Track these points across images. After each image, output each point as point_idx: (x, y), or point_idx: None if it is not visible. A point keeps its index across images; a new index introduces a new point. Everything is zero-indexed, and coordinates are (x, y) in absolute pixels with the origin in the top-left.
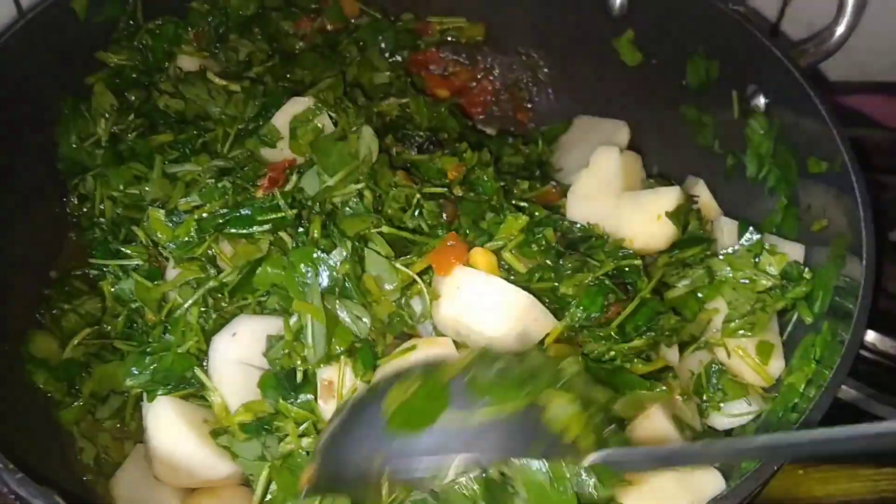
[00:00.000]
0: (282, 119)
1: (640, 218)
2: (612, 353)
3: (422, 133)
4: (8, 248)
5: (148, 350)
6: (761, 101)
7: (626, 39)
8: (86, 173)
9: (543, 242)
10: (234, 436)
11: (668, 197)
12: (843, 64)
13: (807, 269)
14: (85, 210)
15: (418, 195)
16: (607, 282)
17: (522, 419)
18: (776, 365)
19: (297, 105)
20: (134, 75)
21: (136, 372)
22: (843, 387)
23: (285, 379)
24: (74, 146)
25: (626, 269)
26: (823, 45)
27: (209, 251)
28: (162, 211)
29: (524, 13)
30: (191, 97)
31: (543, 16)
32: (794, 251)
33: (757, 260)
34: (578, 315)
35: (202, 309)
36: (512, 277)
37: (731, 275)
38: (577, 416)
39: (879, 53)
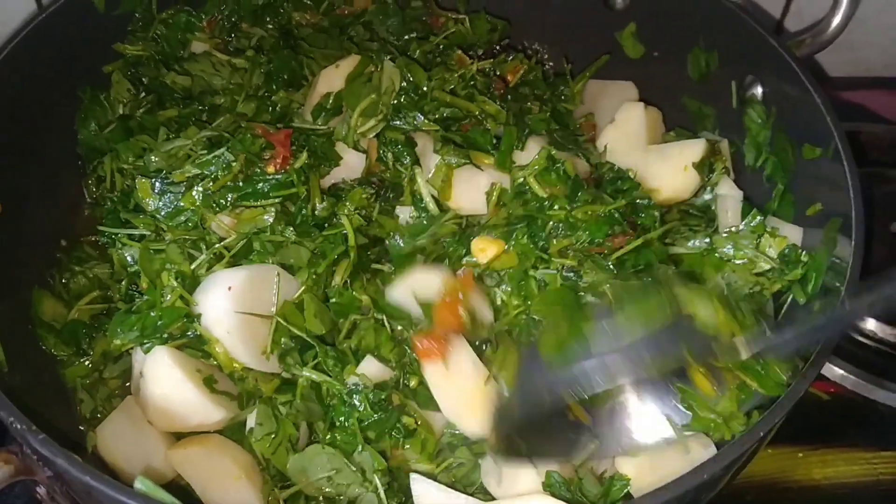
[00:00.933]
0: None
1: (667, 170)
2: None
3: None
4: (26, 224)
5: (133, 309)
6: (759, 90)
7: (629, 32)
8: (103, 157)
9: (563, 172)
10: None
11: (694, 149)
12: (846, 59)
13: (804, 253)
14: (100, 191)
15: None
16: (617, 215)
17: (675, 330)
18: None
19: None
20: (150, 64)
21: (122, 331)
22: (844, 373)
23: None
24: (93, 133)
25: (643, 213)
26: (820, 36)
27: (201, 221)
28: (148, 180)
29: (526, 8)
30: (196, 73)
31: (546, 10)
32: (794, 234)
33: (759, 241)
34: (583, 238)
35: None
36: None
37: (732, 253)
38: (725, 316)
39: (882, 49)
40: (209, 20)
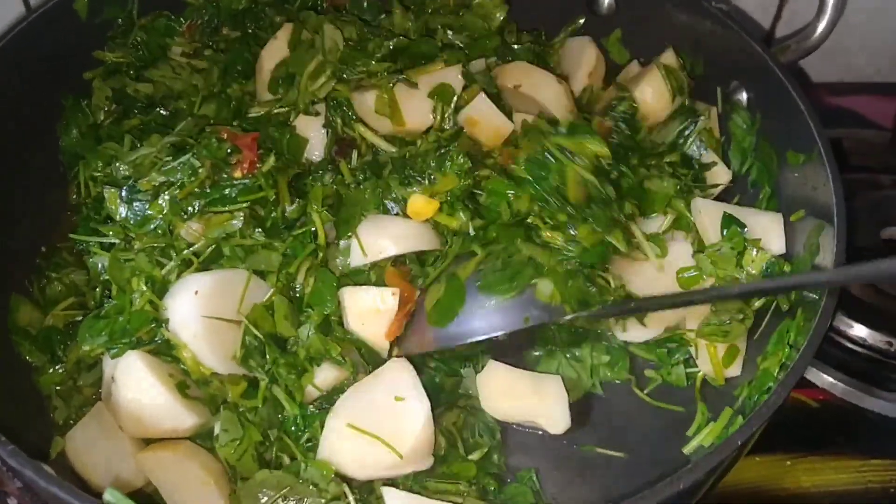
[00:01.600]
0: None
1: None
2: None
3: None
4: (8, 230)
5: (101, 314)
6: (744, 96)
7: (615, 38)
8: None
9: None
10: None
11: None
12: (836, 65)
13: (787, 265)
14: (79, 199)
15: None
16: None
17: (522, 297)
18: (734, 370)
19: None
20: (129, 72)
21: (90, 336)
22: (834, 381)
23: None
24: (75, 139)
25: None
26: (805, 42)
27: (170, 228)
28: (115, 189)
29: (513, 12)
30: (157, 79)
31: (532, 15)
32: (776, 242)
33: (740, 258)
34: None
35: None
36: None
37: (714, 271)
38: (557, 289)
39: (872, 54)
40: (188, 25)
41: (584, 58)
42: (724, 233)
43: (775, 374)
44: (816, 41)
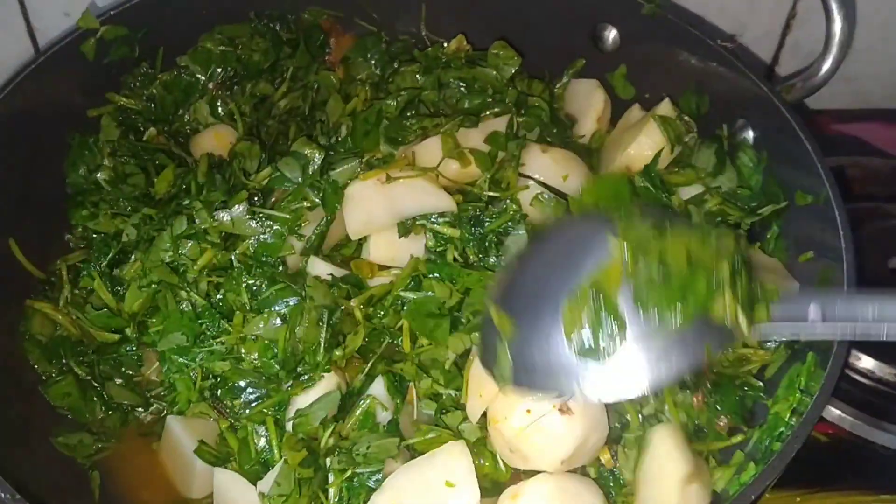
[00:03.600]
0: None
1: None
2: None
3: None
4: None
5: None
6: (750, 134)
7: (620, 74)
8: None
9: None
10: None
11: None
12: (844, 91)
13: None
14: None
15: None
16: None
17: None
18: None
19: None
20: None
21: None
22: (842, 414)
23: None
24: (82, 177)
25: None
26: (811, 80)
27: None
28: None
29: (519, 50)
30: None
31: (538, 50)
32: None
33: None
34: None
35: None
36: None
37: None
38: (734, 304)
39: (881, 80)
40: (215, 84)
41: (592, 102)
42: None
43: (787, 419)
44: (822, 79)
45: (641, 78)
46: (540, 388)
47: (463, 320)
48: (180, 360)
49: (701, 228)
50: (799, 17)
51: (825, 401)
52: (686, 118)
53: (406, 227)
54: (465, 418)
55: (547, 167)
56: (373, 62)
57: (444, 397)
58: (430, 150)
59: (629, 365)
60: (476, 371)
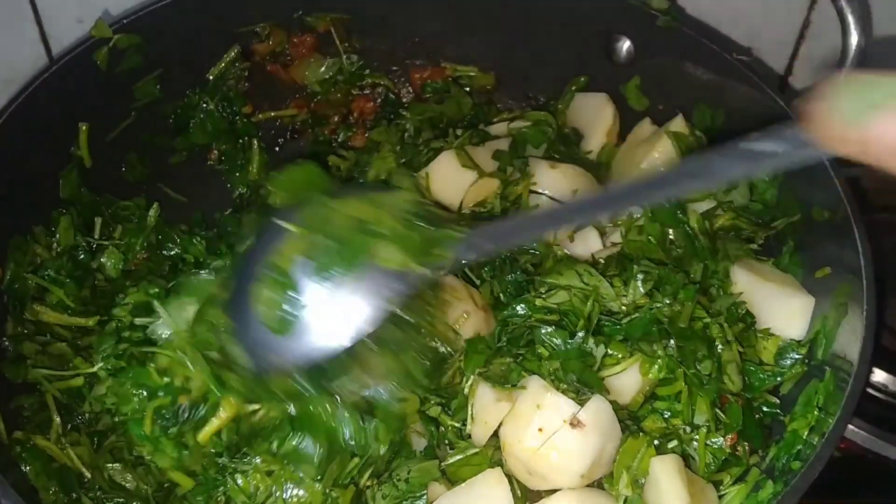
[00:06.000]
0: None
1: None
2: None
3: None
4: None
5: None
6: None
7: (633, 85)
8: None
9: None
10: None
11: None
12: None
13: (802, 345)
14: None
15: None
16: None
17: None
18: None
19: None
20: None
21: None
22: (855, 429)
23: None
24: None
25: None
26: None
27: None
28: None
29: (532, 60)
30: None
31: (552, 63)
32: (797, 327)
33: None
34: None
35: None
36: None
37: None
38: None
39: None
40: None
41: (601, 116)
42: None
43: (804, 437)
44: None
45: (655, 89)
46: (277, 365)
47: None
48: None
49: (374, 197)
50: (813, 26)
51: (847, 420)
52: (698, 133)
53: None
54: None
55: (557, 182)
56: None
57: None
58: (443, 166)
59: (325, 322)
60: (480, 398)
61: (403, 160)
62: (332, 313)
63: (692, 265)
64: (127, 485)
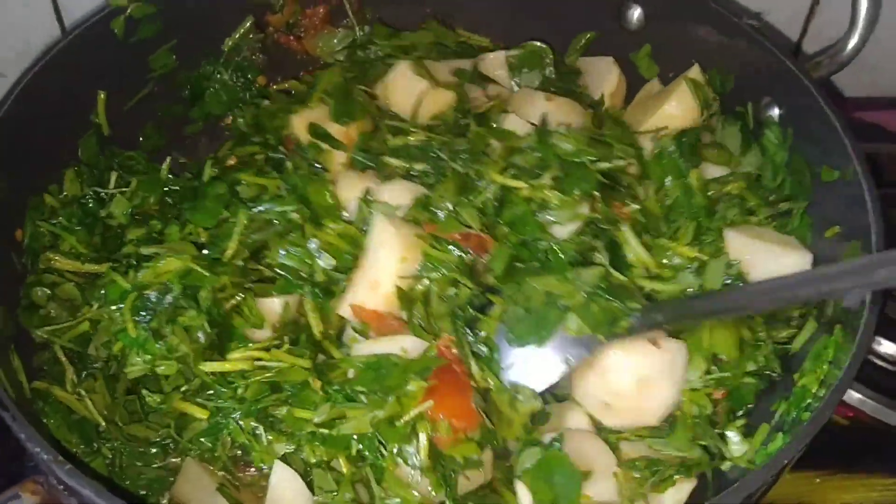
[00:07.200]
0: None
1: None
2: None
3: None
4: None
5: None
6: (776, 112)
7: (644, 53)
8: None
9: None
10: None
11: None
12: (865, 80)
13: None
14: None
15: None
16: None
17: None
18: None
19: None
20: None
21: None
22: (863, 398)
23: None
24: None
25: None
26: (837, 57)
27: None
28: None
29: (545, 29)
30: None
31: (564, 32)
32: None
33: None
34: None
35: None
36: None
37: None
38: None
39: None
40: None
41: (607, 79)
42: None
43: (814, 391)
44: (848, 56)
45: (665, 57)
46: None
47: None
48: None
49: (565, 270)
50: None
51: (855, 370)
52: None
53: None
54: None
55: (548, 117)
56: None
57: None
58: (398, 75)
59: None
60: None
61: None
62: (523, 372)
63: (680, 219)
64: (140, 435)
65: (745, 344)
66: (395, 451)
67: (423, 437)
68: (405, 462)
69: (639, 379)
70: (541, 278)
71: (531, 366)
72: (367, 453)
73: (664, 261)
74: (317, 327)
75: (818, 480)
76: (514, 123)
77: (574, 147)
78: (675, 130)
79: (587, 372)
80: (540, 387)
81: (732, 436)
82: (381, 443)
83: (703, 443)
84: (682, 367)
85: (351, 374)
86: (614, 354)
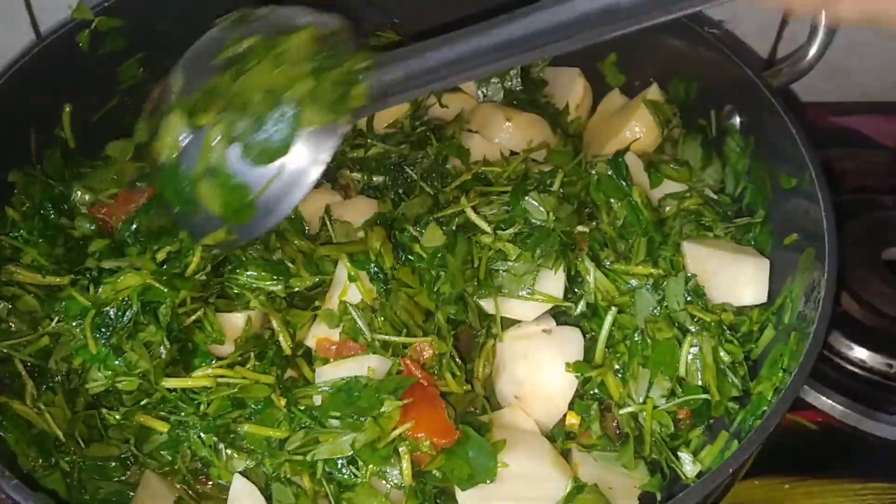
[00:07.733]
0: None
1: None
2: None
3: None
4: None
5: None
6: (737, 120)
7: (610, 62)
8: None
9: None
10: None
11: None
12: (841, 84)
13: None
14: None
15: None
16: None
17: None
18: None
19: None
20: None
21: None
22: (833, 403)
23: None
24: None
25: None
26: (798, 65)
27: None
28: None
29: None
30: None
31: None
32: (756, 290)
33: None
34: None
35: None
36: None
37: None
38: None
39: (878, 73)
40: None
41: (573, 90)
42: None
43: (769, 399)
44: (809, 64)
45: (630, 65)
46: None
47: None
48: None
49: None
50: None
51: (804, 377)
52: (669, 104)
53: None
54: None
55: (511, 134)
56: None
57: None
58: None
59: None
60: None
61: None
62: (276, 188)
63: (633, 237)
64: (100, 454)
65: (722, 373)
66: (374, 471)
67: (405, 458)
68: (386, 482)
69: (529, 362)
70: (250, 74)
71: (289, 176)
72: (334, 473)
73: (623, 287)
74: (286, 342)
75: (787, 486)
76: (480, 145)
77: (545, 216)
78: (639, 152)
79: (497, 376)
80: (300, 194)
81: (685, 457)
82: (352, 463)
83: (654, 457)
84: (576, 352)
85: (318, 400)
86: (506, 347)
